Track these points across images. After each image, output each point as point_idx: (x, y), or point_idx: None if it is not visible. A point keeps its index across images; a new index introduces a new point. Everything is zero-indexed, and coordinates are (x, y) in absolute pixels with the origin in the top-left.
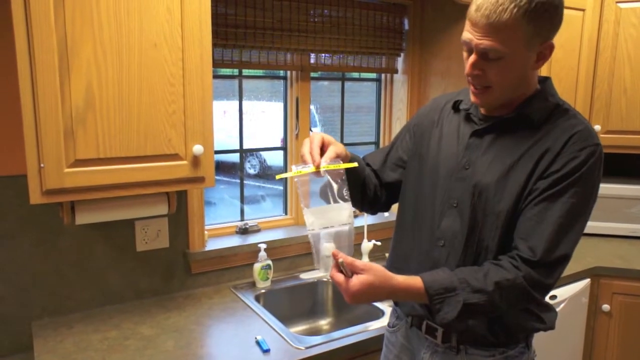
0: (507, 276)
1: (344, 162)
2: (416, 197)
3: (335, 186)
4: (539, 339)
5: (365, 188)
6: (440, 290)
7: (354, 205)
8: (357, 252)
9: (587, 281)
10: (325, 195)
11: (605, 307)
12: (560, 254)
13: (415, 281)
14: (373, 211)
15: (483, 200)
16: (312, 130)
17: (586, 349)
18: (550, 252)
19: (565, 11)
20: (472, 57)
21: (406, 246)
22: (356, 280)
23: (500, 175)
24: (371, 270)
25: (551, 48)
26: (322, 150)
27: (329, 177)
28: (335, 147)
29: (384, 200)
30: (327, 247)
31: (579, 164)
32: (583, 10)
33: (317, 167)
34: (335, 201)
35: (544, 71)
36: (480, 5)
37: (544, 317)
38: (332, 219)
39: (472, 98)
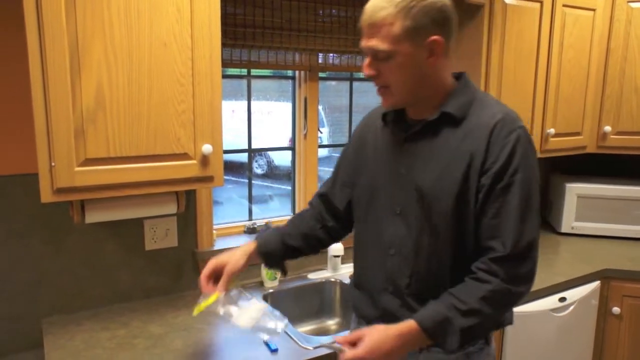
0: (488, 287)
1: (242, 268)
2: (363, 211)
3: (234, 309)
4: (550, 342)
5: (309, 249)
6: (435, 325)
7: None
8: None
9: (597, 283)
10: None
11: (616, 309)
12: (527, 240)
13: (409, 325)
14: (338, 240)
15: (425, 203)
16: (320, 131)
17: (596, 352)
18: (519, 243)
19: (576, 11)
20: (366, 60)
21: (363, 260)
22: (360, 346)
23: (437, 176)
24: (364, 334)
25: (439, 43)
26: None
27: (221, 307)
28: (230, 267)
29: (343, 226)
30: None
31: (511, 151)
32: (594, 10)
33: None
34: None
35: (553, 70)
36: (365, 10)
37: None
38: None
39: (381, 102)
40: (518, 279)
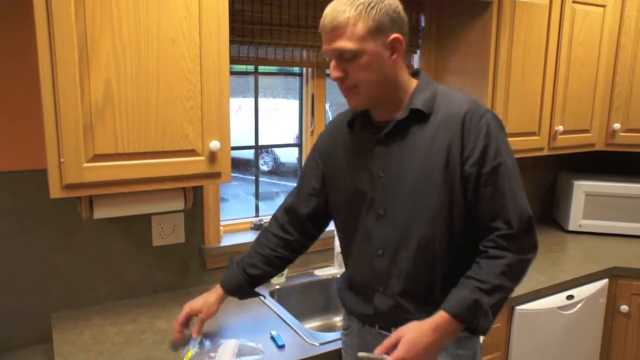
0: (504, 262)
1: (214, 312)
2: (345, 216)
3: (212, 355)
4: (557, 340)
5: (275, 270)
6: (466, 311)
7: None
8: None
9: (605, 281)
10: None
11: (624, 307)
12: (527, 214)
13: (442, 316)
14: (303, 252)
15: (409, 202)
16: None
17: (603, 350)
18: (522, 217)
19: (586, 7)
20: (332, 63)
21: (353, 264)
22: (399, 348)
23: (417, 173)
24: (401, 335)
25: (400, 41)
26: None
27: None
28: (203, 315)
29: (308, 235)
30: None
31: (487, 135)
32: (604, 6)
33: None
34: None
35: (562, 67)
36: (324, 16)
37: None
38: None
39: (348, 105)
40: (527, 249)
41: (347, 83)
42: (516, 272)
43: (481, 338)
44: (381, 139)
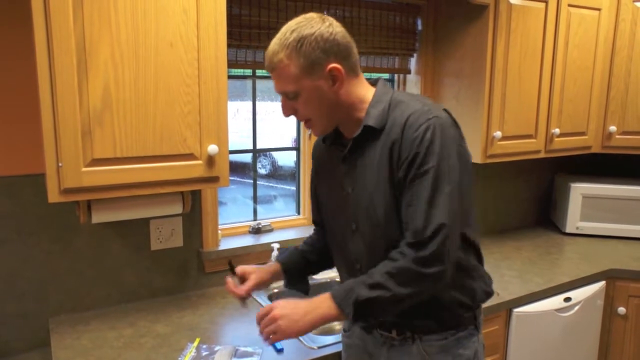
0: (394, 264)
1: (266, 282)
2: (330, 229)
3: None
4: (555, 342)
5: (326, 264)
6: (340, 293)
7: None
8: None
9: (602, 283)
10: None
11: (621, 309)
12: (438, 223)
13: (324, 294)
14: None
15: (371, 216)
16: None
17: (601, 352)
18: (426, 228)
19: (581, 11)
20: (282, 101)
21: (340, 276)
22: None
23: (374, 187)
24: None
25: (338, 70)
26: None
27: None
28: (257, 275)
29: None
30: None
31: (420, 142)
32: (599, 9)
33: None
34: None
35: (558, 71)
36: (266, 54)
37: (475, 288)
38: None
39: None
40: (426, 261)
41: (300, 118)
42: (403, 279)
43: (480, 336)
44: (346, 156)
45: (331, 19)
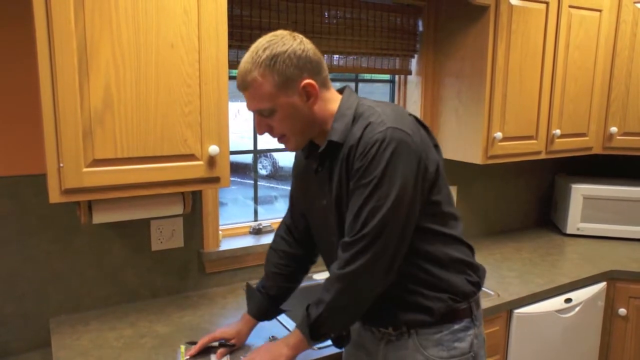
0: (329, 276)
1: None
2: (316, 238)
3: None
4: (555, 343)
5: (294, 283)
6: (302, 320)
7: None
8: None
9: (603, 285)
10: None
11: (622, 311)
12: (363, 232)
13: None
14: (313, 263)
15: (341, 227)
16: None
17: (602, 353)
18: (355, 235)
19: (582, 12)
20: (256, 119)
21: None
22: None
23: (340, 199)
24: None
25: (311, 85)
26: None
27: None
28: (237, 343)
29: (312, 251)
30: None
31: (369, 153)
32: (600, 10)
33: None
34: None
35: (559, 72)
36: (237, 74)
37: (452, 280)
38: None
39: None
40: (344, 263)
41: (275, 135)
42: (331, 285)
43: (477, 330)
44: (317, 169)
45: (301, 36)
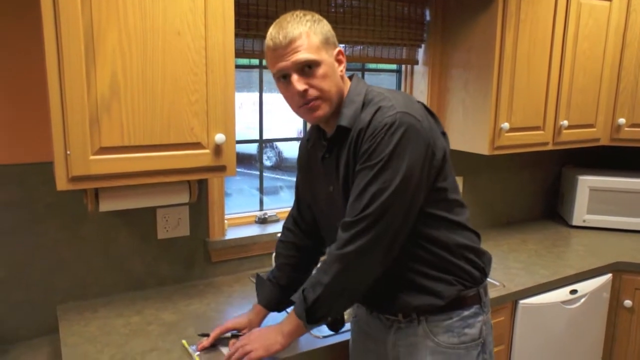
0: (326, 258)
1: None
2: (322, 227)
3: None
4: (560, 334)
5: (305, 274)
6: (298, 304)
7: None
8: None
9: (608, 276)
10: None
11: (627, 302)
12: (363, 214)
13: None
14: (321, 255)
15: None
16: None
17: (607, 345)
18: (355, 216)
19: (592, 2)
20: (294, 77)
21: None
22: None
23: (348, 185)
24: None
25: (342, 54)
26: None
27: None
28: (232, 321)
29: (320, 242)
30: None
31: (378, 136)
32: (610, 0)
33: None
34: None
35: (567, 62)
36: (273, 36)
37: (458, 263)
38: None
39: (309, 118)
40: (344, 242)
41: (312, 94)
42: (329, 267)
43: (486, 317)
44: (324, 156)
45: None
